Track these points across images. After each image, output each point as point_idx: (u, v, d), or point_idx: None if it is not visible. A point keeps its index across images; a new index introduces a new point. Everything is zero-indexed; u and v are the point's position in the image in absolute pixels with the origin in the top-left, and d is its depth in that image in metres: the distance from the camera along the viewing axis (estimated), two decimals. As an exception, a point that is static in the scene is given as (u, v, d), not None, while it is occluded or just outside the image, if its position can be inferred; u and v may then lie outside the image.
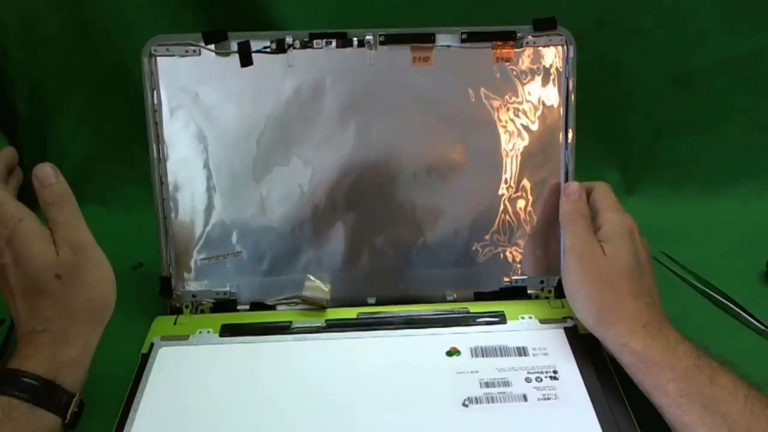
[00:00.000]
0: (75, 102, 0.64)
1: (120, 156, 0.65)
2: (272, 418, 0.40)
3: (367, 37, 0.48)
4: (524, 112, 0.50)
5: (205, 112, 0.49)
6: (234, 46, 0.48)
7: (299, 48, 0.48)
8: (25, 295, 0.41)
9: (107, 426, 0.41)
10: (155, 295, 0.50)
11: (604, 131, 0.64)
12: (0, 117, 0.64)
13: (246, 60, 0.48)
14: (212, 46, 0.48)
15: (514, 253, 0.51)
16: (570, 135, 0.49)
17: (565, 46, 0.49)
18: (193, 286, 0.50)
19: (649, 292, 0.43)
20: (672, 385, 0.38)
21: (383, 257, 0.50)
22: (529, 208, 0.50)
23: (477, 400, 0.41)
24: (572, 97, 0.49)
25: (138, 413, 0.41)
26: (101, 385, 0.42)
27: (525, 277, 0.51)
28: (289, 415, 0.41)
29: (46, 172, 0.42)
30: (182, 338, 0.47)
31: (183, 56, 0.48)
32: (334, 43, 0.48)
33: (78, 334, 0.41)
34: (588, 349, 0.45)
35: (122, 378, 0.44)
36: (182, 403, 0.42)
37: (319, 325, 0.48)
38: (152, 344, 0.46)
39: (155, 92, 0.48)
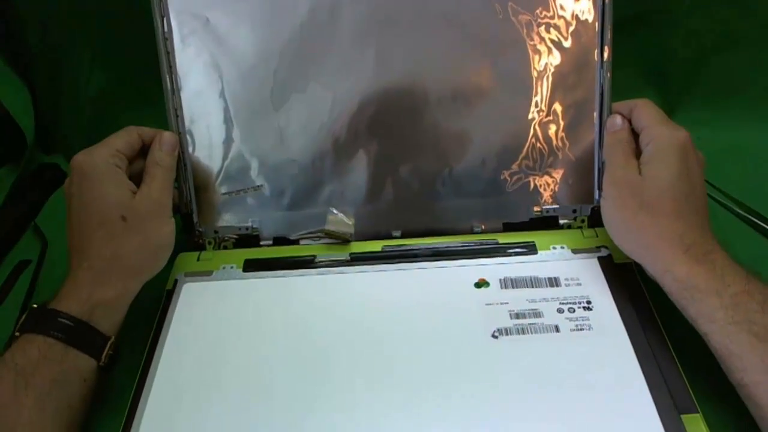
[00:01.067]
0: (87, 37, 0.62)
1: (135, 91, 0.63)
2: (298, 353, 0.40)
3: (387, -49, 0.45)
4: (556, 28, 0.46)
5: (217, 39, 0.46)
6: (244, -34, 0.45)
7: (314, -34, 0.45)
8: (85, 227, 0.41)
9: (135, 361, 0.41)
10: (177, 231, 0.49)
11: (643, 49, 0.60)
12: (14, 58, 0.63)
13: (258, -20, 0.45)
14: (222, -33, 0.45)
15: (545, 182, 0.48)
16: (606, 53, 0.46)
17: (603, -45, 0.45)
18: (215, 221, 0.49)
19: (695, 211, 0.40)
20: (719, 312, 0.36)
21: (408, 188, 0.49)
22: (561, 133, 0.47)
23: (507, 332, 0.40)
24: (609, 11, 0.45)
25: (164, 348, 0.41)
26: (127, 321, 0.42)
27: (556, 206, 0.49)
28: (314, 349, 0.40)
29: (171, 142, 0.46)
30: (206, 274, 0.46)
31: (191, -21, 0.45)
32: (351, -40, 0.45)
33: (118, 278, 0.41)
34: (623, 279, 0.43)
35: (148, 314, 0.44)
36: (208, 338, 0.42)
37: (344, 258, 0.47)
38: (176, 280, 0.46)
39: (165, 19, 0.46)
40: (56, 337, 0.38)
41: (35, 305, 0.40)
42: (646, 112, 0.44)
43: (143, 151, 0.46)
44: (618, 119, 0.45)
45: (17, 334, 0.39)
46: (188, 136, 0.48)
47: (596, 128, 0.47)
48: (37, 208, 0.59)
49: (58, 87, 0.64)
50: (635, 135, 0.44)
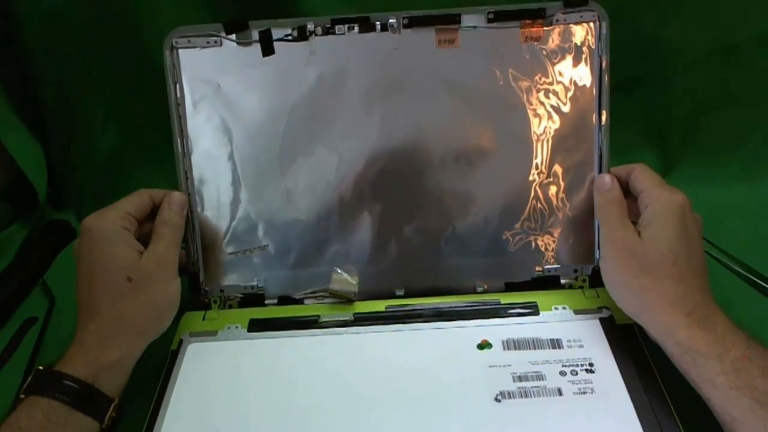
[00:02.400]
0: (101, 96, 0.63)
1: (146, 151, 0.65)
2: (301, 414, 0.40)
3: (390, 20, 0.47)
4: (555, 94, 0.48)
5: (227, 104, 0.48)
6: (255, 35, 0.47)
7: (321, 35, 0.47)
8: (93, 288, 0.42)
9: (138, 422, 0.41)
10: (183, 290, 0.50)
11: (640, 111, 0.61)
12: (28, 116, 0.65)
13: (267, 49, 0.47)
14: (233, 36, 0.47)
15: (546, 242, 0.49)
16: (604, 116, 0.47)
17: (598, 22, 0.46)
18: (220, 281, 0.50)
19: (696, 274, 0.41)
20: (721, 377, 0.36)
21: (411, 248, 0.49)
22: (561, 194, 0.49)
23: (510, 395, 0.40)
24: (606, 76, 0.47)
25: (168, 409, 0.41)
26: (131, 380, 0.42)
27: (558, 266, 0.49)
28: (318, 410, 0.40)
29: (180, 202, 0.47)
30: (211, 334, 0.47)
31: (204, 47, 0.47)
32: (356, 28, 0.47)
33: (123, 339, 0.42)
34: (625, 341, 0.43)
35: (152, 374, 0.44)
36: (212, 398, 0.42)
37: (348, 318, 0.47)
38: (181, 340, 0.46)
39: (178, 85, 0.48)
40: (61, 400, 0.38)
41: (41, 367, 0.40)
42: (643, 175, 0.45)
43: (154, 212, 0.47)
44: (607, 178, 0.46)
45: (22, 396, 0.39)
46: (197, 197, 0.49)
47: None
48: (46, 264, 0.60)
49: (71, 144, 0.65)
50: (630, 198, 0.45)
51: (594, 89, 0.47)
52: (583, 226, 0.49)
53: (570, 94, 0.48)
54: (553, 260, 0.49)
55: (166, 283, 0.44)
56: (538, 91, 0.48)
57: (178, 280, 0.45)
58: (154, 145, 0.62)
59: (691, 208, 0.43)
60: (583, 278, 0.49)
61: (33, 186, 0.63)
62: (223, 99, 0.48)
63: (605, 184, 0.46)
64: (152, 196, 0.47)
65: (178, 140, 0.48)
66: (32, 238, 0.62)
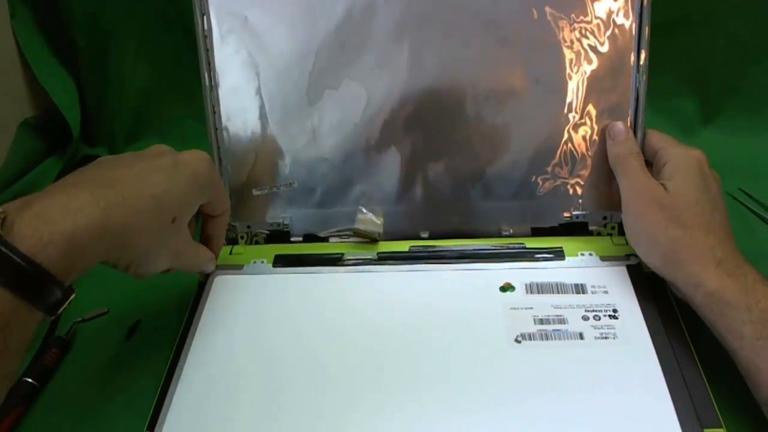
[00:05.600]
0: (132, 32, 0.64)
1: (178, 88, 0.65)
2: (323, 348, 0.41)
3: (423, -47, 0.45)
4: (592, 32, 0.46)
5: (255, 37, 0.47)
6: (283, -33, 0.46)
7: (351, -34, 0.46)
8: (140, 185, 0.36)
9: (165, 351, 0.42)
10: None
11: (680, 55, 0.59)
12: (61, 51, 0.65)
13: (295, -20, 0.46)
14: (261, -33, 0.46)
15: (575, 187, 0.48)
16: (642, 57, 0.45)
17: (641, -42, 0.44)
18: (247, 217, 0.50)
19: (722, 227, 0.40)
20: (748, 327, 0.35)
21: (437, 189, 0.49)
22: (594, 137, 0.47)
23: (530, 337, 0.40)
24: (647, 14, 0.45)
25: (195, 340, 0.42)
26: (160, 312, 0.44)
27: (586, 212, 0.48)
28: (338, 345, 0.41)
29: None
30: (237, 267, 0.47)
31: (231, -22, 0.46)
32: (387, -39, 0.45)
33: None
34: (652, 289, 0.42)
35: (180, 305, 0.45)
36: (237, 329, 0.43)
37: (371, 257, 0.47)
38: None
39: (205, 17, 0.47)
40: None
41: None
42: (657, 136, 0.45)
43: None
44: (622, 126, 0.45)
45: None
46: (224, 132, 0.49)
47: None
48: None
49: (103, 81, 0.66)
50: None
51: (633, 28, 0.45)
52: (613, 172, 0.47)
53: (608, 32, 0.46)
54: (581, 206, 0.48)
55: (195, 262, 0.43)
56: (574, 29, 0.46)
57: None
58: (185, 82, 0.62)
59: (709, 164, 0.42)
60: (612, 225, 0.48)
61: (67, 121, 0.64)
62: (250, 32, 0.47)
63: (621, 133, 0.45)
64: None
65: (206, 73, 0.48)
66: (67, 172, 0.63)
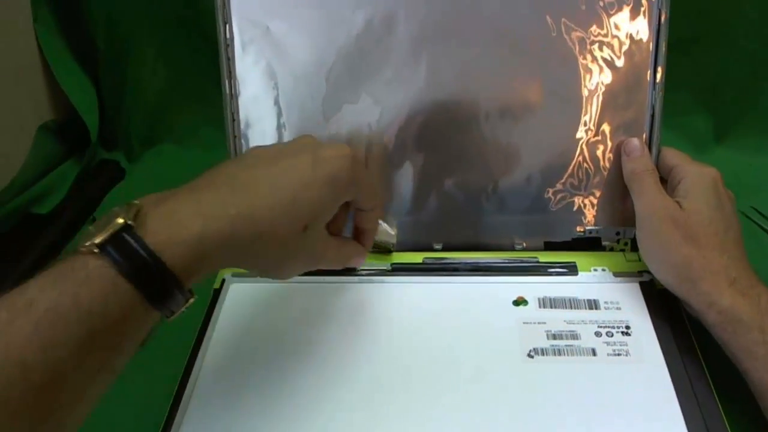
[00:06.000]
0: (152, 40, 0.64)
1: (195, 93, 0.66)
2: (335, 358, 0.41)
3: (442, -34, 0.45)
4: (609, 47, 0.46)
5: (275, 47, 0.48)
6: (305, -22, 0.46)
7: (371, -22, 0.46)
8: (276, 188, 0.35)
9: (179, 357, 0.43)
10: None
11: (694, 73, 0.59)
12: (82, 56, 0.66)
13: (317, -10, 0.47)
14: (283, -22, 0.47)
15: (589, 202, 0.48)
16: (659, 73, 0.45)
17: (658, -25, 0.44)
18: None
19: (736, 246, 0.40)
20: (761, 348, 0.35)
21: (451, 202, 0.49)
22: (609, 153, 0.47)
23: (543, 352, 0.40)
24: (664, 31, 0.45)
25: (209, 347, 0.43)
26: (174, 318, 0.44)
27: (599, 227, 0.49)
28: (350, 355, 0.41)
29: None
30: (252, 275, 0.48)
31: (255, -12, 0.47)
32: (407, -26, 0.46)
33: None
34: (664, 305, 0.43)
35: (194, 312, 0.45)
36: (251, 338, 0.43)
37: (385, 268, 0.48)
38: (224, 280, 0.47)
39: (227, 25, 0.47)
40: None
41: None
42: (672, 153, 0.45)
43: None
44: (638, 142, 0.45)
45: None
46: (243, 140, 0.49)
47: (645, 151, 0.46)
48: (96, 202, 0.62)
49: (122, 85, 0.66)
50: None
51: (651, 44, 0.45)
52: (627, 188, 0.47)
53: (625, 48, 0.46)
54: (594, 221, 0.49)
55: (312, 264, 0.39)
56: (591, 43, 0.46)
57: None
58: (202, 87, 0.63)
59: (724, 182, 0.43)
60: (624, 241, 0.48)
61: (86, 125, 0.65)
62: (271, 42, 0.48)
63: (636, 149, 0.45)
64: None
65: (227, 82, 0.48)
66: (84, 175, 0.64)
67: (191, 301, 0.31)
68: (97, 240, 0.28)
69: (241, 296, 0.46)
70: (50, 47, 0.64)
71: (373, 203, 0.41)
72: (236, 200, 0.33)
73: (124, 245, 0.29)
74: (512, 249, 0.49)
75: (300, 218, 0.35)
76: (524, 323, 0.42)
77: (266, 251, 0.35)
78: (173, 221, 0.30)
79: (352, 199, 0.39)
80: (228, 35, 0.48)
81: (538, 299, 0.44)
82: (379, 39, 0.47)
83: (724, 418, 0.36)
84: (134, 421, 0.41)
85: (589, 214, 0.48)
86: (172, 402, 0.39)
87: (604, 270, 0.46)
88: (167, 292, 0.30)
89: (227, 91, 0.48)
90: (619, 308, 0.43)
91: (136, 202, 0.31)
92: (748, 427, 0.37)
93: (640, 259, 0.46)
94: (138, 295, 0.29)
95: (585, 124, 0.47)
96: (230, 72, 0.48)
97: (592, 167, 0.48)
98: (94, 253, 0.28)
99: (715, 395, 0.37)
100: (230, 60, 0.48)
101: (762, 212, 0.54)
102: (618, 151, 0.47)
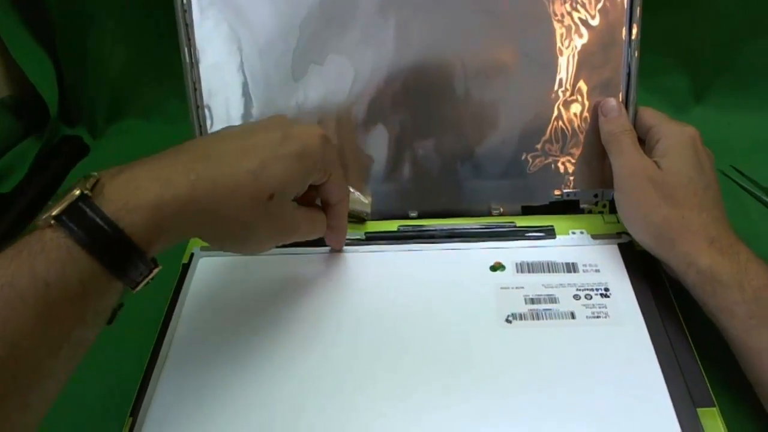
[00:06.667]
0: (110, 9, 0.62)
1: (158, 66, 0.64)
2: (309, 329, 0.40)
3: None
4: (583, 5, 0.44)
5: (236, 10, 0.46)
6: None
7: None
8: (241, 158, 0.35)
9: (149, 333, 0.41)
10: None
11: (672, 33, 0.58)
12: (38, 30, 0.63)
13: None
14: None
15: (566, 164, 0.47)
16: (635, 31, 0.44)
17: (634, -72, 0.43)
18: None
19: (715, 205, 0.40)
20: (740, 306, 0.35)
21: (426, 168, 0.48)
22: (585, 114, 0.46)
23: (521, 317, 0.39)
24: (639, -13, 0.44)
25: (178, 322, 0.41)
26: (143, 294, 0.42)
27: (577, 190, 0.48)
28: (326, 326, 0.40)
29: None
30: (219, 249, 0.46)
31: (210, -52, 0.45)
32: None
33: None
34: (644, 267, 0.42)
35: (163, 287, 0.44)
36: (221, 312, 0.42)
37: (359, 237, 0.46)
38: (192, 254, 0.46)
39: (184, -9, 0.45)
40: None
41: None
42: (649, 113, 0.44)
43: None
44: (614, 102, 0.44)
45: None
46: (206, 110, 0.47)
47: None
48: (60, 179, 0.60)
49: (82, 59, 0.64)
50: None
51: (626, 2, 0.44)
52: (605, 149, 0.46)
53: (600, 5, 0.44)
54: (572, 184, 0.48)
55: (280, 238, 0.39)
56: (565, 1, 0.45)
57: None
58: (166, 60, 0.60)
59: (702, 141, 0.42)
60: (603, 203, 0.47)
61: (44, 101, 0.63)
62: (231, 5, 0.46)
63: (613, 110, 0.44)
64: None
65: (186, 49, 0.46)
66: (45, 153, 0.62)
67: (155, 271, 0.31)
68: (54, 212, 0.28)
69: (210, 270, 0.45)
70: (3, 22, 0.61)
71: (339, 196, 0.41)
72: (197, 166, 0.32)
73: (80, 214, 0.28)
74: (489, 214, 0.48)
75: (265, 188, 0.34)
76: (502, 288, 0.41)
77: (228, 219, 0.34)
78: (130, 188, 0.30)
79: (318, 181, 0.39)
80: (185, 0, 0.45)
81: (516, 264, 0.43)
82: (346, 1, 0.45)
83: (705, 378, 0.36)
84: (106, 395, 0.40)
85: (567, 176, 0.47)
86: (142, 377, 0.38)
87: (582, 233, 0.45)
88: (127, 260, 0.29)
89: (187, 59, 0.46)
90: (597, 270, 0.42)
91: (94, 174, 0.30)
92: (729, 387, 0.37)
93: (618, 221, 0.45)
94: (97, 264, 0.28)
95: (561, 84, 0.46)
96: (189, 39, 0.46)
97: (569, 129, 0.47)
98: (51, 225, 0.28)
99: (696, 356, 0.37)
100: (188, 26, 0.46)
101: (741, 171, 0.53)
102: (595, 112, 0.46)
